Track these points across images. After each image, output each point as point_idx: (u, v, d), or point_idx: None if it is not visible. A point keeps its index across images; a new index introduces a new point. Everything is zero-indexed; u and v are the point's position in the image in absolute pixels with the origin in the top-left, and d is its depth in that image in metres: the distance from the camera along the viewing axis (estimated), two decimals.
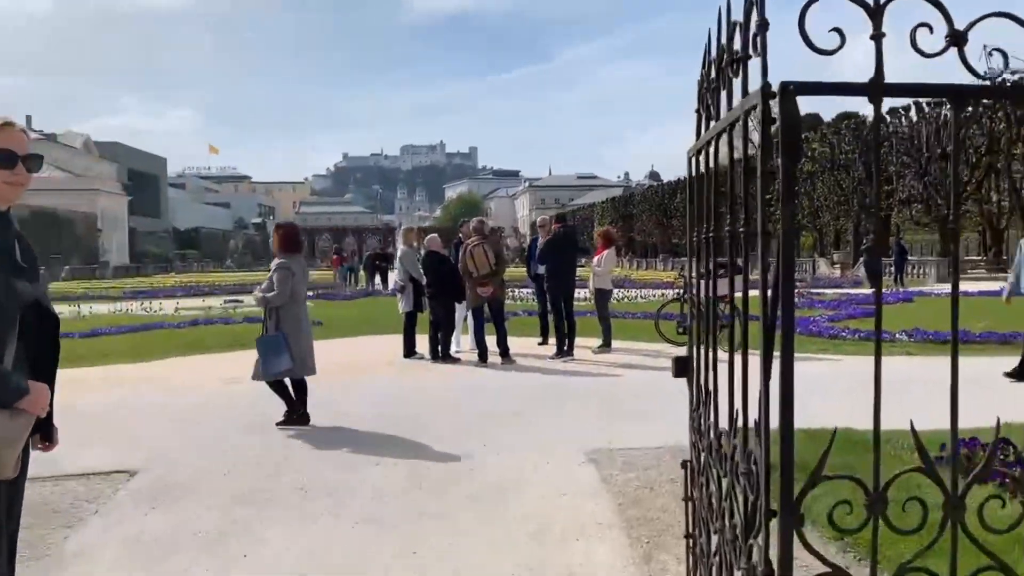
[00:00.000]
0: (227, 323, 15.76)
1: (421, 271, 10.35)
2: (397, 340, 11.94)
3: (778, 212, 1.66)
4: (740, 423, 2.00)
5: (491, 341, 10.20)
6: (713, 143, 2.29)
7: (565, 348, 10.22)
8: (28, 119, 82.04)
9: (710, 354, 2.42)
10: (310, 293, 26.07)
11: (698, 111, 2.58)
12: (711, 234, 2.39)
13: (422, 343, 10.63)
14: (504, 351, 9.93)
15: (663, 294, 20.91)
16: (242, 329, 14.75)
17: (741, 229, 2.01)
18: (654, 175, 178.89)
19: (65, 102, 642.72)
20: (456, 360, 10.16)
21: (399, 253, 10.74)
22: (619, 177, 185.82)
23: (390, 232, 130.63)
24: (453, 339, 10.71)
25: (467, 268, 9.72)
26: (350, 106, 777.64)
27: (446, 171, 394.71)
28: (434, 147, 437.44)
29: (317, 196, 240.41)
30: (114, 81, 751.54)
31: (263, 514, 4.59)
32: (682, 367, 2.92)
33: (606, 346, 10.82)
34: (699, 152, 2.57)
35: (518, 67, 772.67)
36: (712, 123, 2.34)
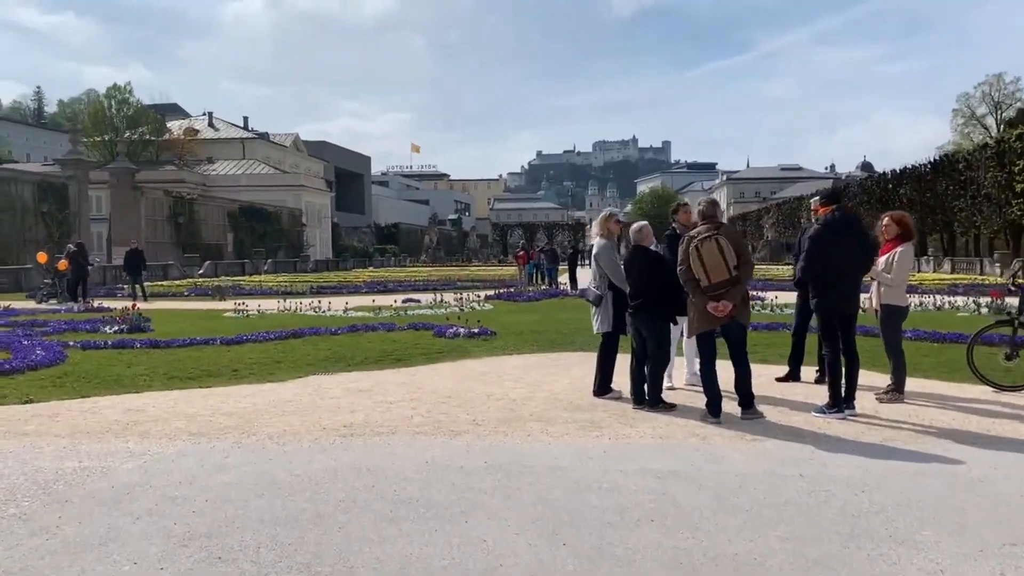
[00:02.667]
0: (389, 330, 13.50)
1: (623, 274, 7.29)
2: (585, 362, 8.98)
3: None
4: None
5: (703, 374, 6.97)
6: None
7: (841, 397, 6.68)
8: (246, 120, 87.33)
9: None
10: (490, 293, 23.89)
11: None
12: None
13: (622, 375, 7.59)
14: (747, 400, 6.63)
15: (954, 304, 16.54)
16: (401, 339, 12.38)
17: None
18: (867, 166, 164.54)
19: (291, 109, 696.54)
20: (670, 408, 6.97)
21: (594, 248, 7.67)
22: (826, 169, 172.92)
23: (580, 228, 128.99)
24: (666, 374, 7.58)
25: (691, 273, 6.50)
26: (546, 104, 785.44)
27: (638, 166, 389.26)
28: (626, 142, 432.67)
29: (510, 193, 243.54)
30: (336, 88, 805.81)
31: None
32: None
33: (897, 391, 7.24)
34: None
35: (714, 60, 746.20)
36: None
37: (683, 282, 6.59)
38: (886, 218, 7.56)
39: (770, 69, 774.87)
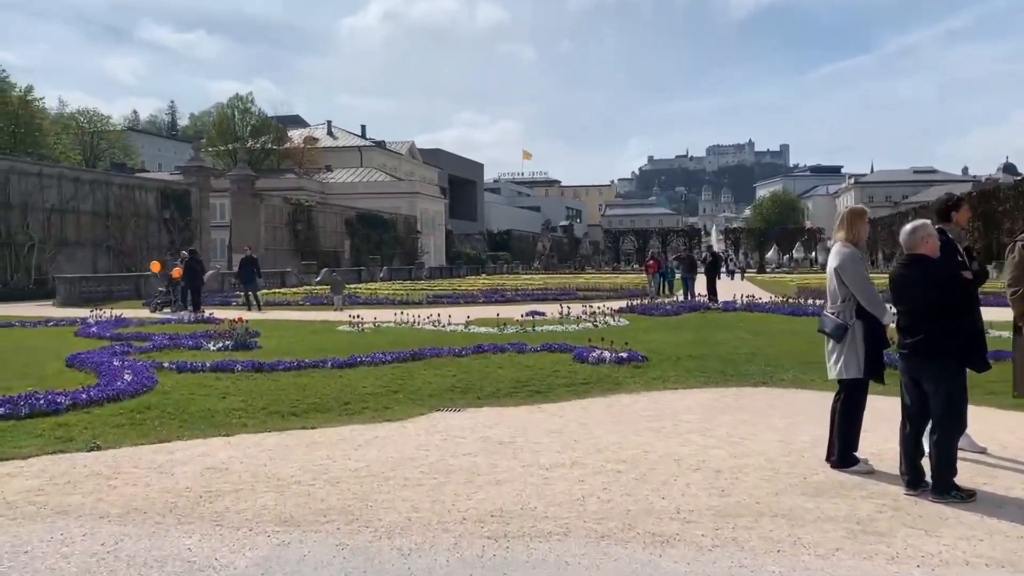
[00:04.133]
0: (520, 351, 11.61)
1: (876, 294, 5.11)
2: (779, 402, 6.84)
3: None
4: None
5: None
6: None
7: None
8: (363, 128, 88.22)
9: None
10: (621, 305, 21.68)
11: None
12: None
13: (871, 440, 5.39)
14: None
15: None
16: (536, 364, 10.44)
17: None
18: (1009, 167, 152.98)
19: (406, 119, 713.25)
20: (969, 496, 4.70)
21: (833, 256, 5.38)
22: (962, 171, 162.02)
23: (695, 233, 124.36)
24: (965, 440, 5.33)
25: None
26: (658, 109, 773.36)
27: (754, 171, 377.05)
28: (742, 146, 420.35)
29: (622, 199, 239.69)
30: (449, 98, 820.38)
31: None
32: None
33: None
34: None
35: (834, 61, 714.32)
36: None
37: (1019, 312, 4.33)
38: None
39: (896, 69, 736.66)
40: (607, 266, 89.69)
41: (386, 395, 8.66)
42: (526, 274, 67.07)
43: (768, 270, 70.77)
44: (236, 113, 75.54)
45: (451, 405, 8.18)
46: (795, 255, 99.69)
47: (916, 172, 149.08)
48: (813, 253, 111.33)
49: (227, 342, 12.72)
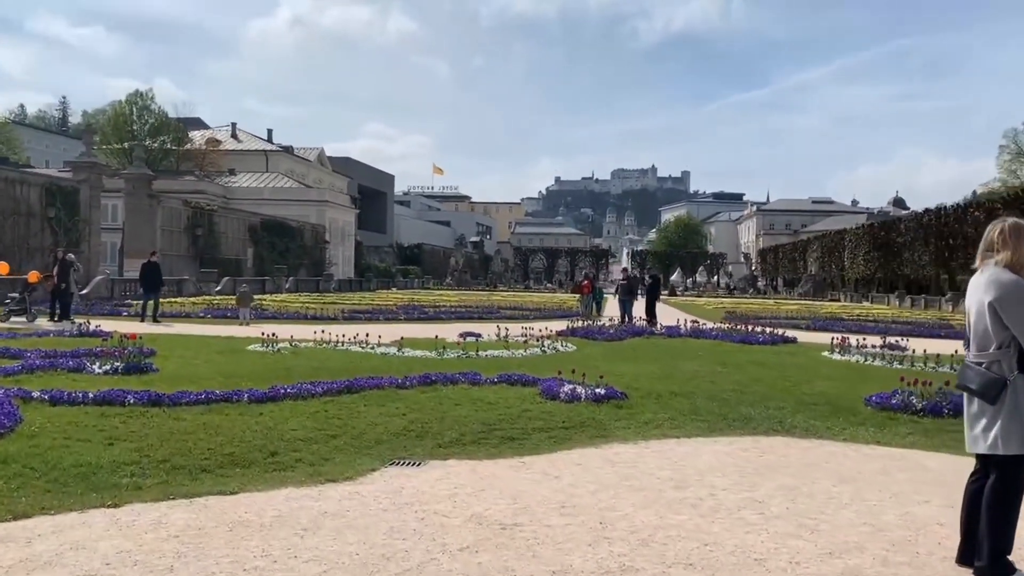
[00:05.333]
0: (474, 383, 9.92)
1: None
2: (819, 459, 5.47)
3: None
4: None
5: None
6: None
7: None
8: (269, 132, 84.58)
9: None
10: (561, 328, 20.20)
11: None
12: None
13: None
14: None
15: None
16: (499, 400, 8.78)
17: None
18: (899, 202, 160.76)
19: (315, 127, 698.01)
20: None
21: (994, 289, 3.84)
22: (851, 203, 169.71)
23: (603, 254, 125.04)
24: None
25: None
26: (567, 131, 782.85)
27: (656, 195, 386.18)
28: (645, 171, 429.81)
29: (531, 217, 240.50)
30: (359, 108, 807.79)
31: None
32: None
33: None
34: None
35: (734, 93, 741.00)
36: None
37: None
38: None
39: (791, 104, 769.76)
40: (520, 284, 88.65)
41: (322, 441, 6.86)
42: (439, 290, 65.19)
43: (678, 292, 71.03)
44: (134, 110, 71.00)
45: (407, 457, 6.47)
46: (698, 278, 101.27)
47: (814, 202, 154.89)
48: (715, 277, 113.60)
49: (116, 363, 10.56)
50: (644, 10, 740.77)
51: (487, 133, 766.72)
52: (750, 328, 19.55)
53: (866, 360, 13.63)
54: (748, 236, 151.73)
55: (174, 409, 7.90)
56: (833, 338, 15.60)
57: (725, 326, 20.27)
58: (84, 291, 30.59)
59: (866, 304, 59.08)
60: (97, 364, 10.54)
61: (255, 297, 35.56)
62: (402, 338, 14.75)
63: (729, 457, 6.63)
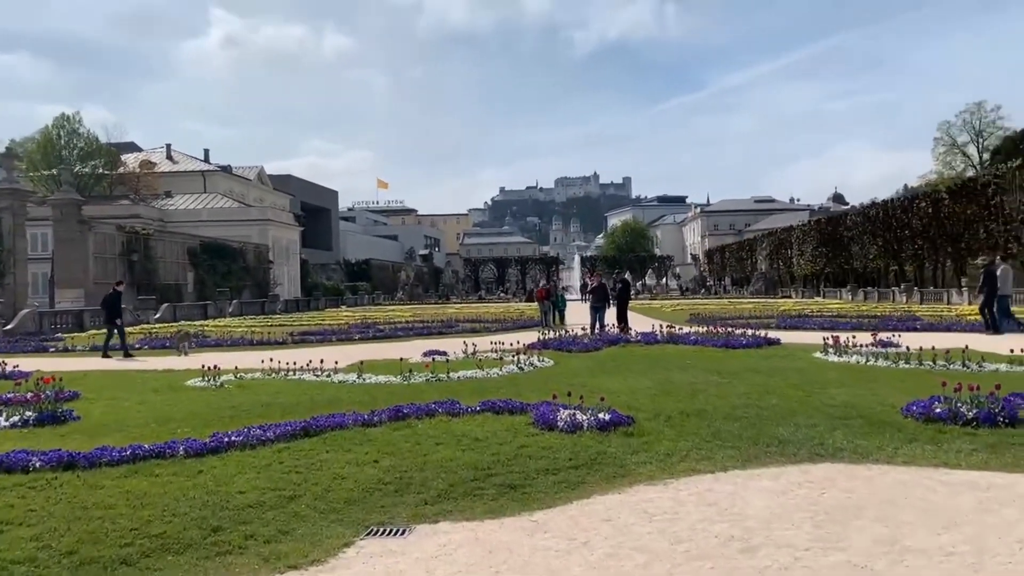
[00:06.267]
0: (454, 412, 8.55)
1: None
2: (904, 493, 4.28)
3: None
4: None
5: None
6: None
7: None
8: (206, 152, 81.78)
9: None
10: (532, 339, 18.85)
11: None
12: None
13: None
14: None
15: None
16: (487, 434, 7.43)
17: None
18: (838, 197, 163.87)
19: (255, 147, 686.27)
20: None
21: None
22: (790, 200, 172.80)
23: (554, 262, 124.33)
24: None
25: None
26: (509, 141, 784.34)
27: (600, 201, 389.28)
28: (588, 178, 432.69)
29: (479, 228, 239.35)
30: (298, 126, 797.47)
31: None
32: None
33: None
34: None
35: (670, 97, 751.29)
36: None
37: None
38: None
39: (726, 105, 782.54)
40: (473, 295, 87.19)
41: (278, 505, 5.48)
42: (390, 305, 63.41)
43: (633, 295, 70.40)
44: (62, 135, 67.75)
45: (387, 521, 5.13)
46: (647, 281, 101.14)
47: (757, 201, 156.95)
48: (664, 280, 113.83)
49: (28, 412, 8.95)
50: (580, 19, 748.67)
51: (430, 145, 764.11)
52: (728, 330, 18.53)
53: (867, 361, 12.62)
54: (693, 238, 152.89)
55: (91, 473, 6.40)
56: (825, 338, 14.60)
57: (702, 330, 19.21)
58: (8, 326, 28.33)
59: (819, 299, 59.13)
60: (3, 415, 8.91)
61: (194, 322, 33.57)
62: (361, 362, 13.30)
63: (784, 497, 5.41)
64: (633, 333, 19.00)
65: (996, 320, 18.40)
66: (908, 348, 13.31)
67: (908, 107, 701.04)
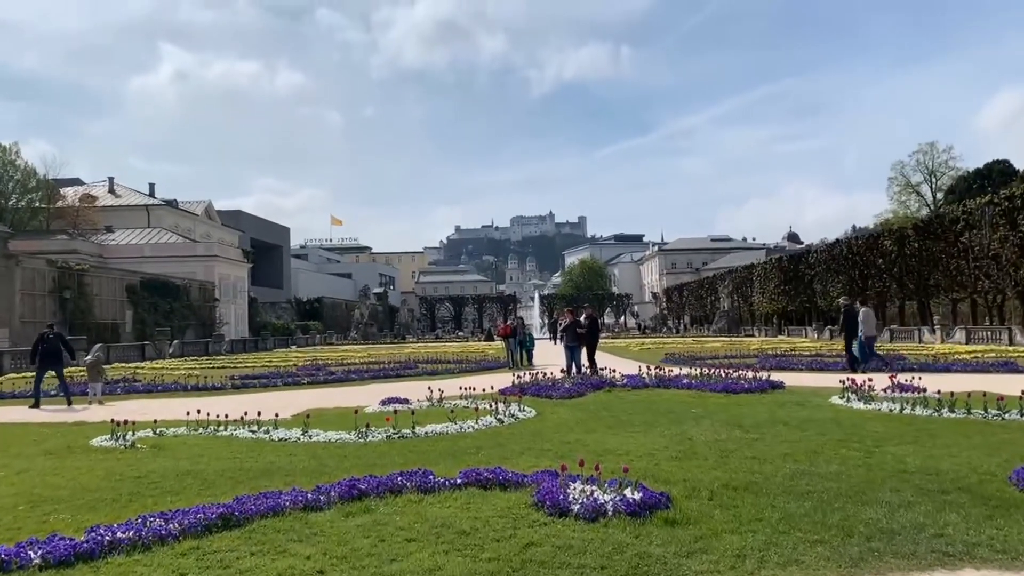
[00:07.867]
0: (425, 488, 6.46)
1: None
2: None
3: None
4: None
5: None
6: None
7: None
8: (152, 186, 78.53)
9: None
10: (505, 383, 16.66)
11: None
12: None
13: None
14: None
15: None
16: (477, 526, 5.32)
17: None
18: (793, 236, 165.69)
19: (205, 184, 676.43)
20: None
21: None
22: (743, 239, 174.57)
23: (510, 301, 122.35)
24: None
25: None
26: (464, 180, 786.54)
27: (555, 240, 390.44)
28: (543, 217, 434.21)
29: (435, 266, 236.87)
30: (250, 163, 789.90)
31: None
32: None
33: None
34: None
35: (623, 139, 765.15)
36: None
37: None
38: None
39: (676, 148, 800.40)
40: (429, 334, 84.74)
41: None
42: (343, 345, 60.77)
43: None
44: None
45: None
46: (606, 320, 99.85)
47: (713, 240, 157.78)
48: (623, 318, 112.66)
49: None
50: (534, 61, 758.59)
51: (384, 183, 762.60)
52: (726, 372, 16.73)
53: (901, 409, 10.83)
54: (651, 276, 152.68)
55: None
56: (843, 380, 12.87)
57: (695, 372, 17.35)
58: None
59: (784, 337, 58.12)
60: None
61: (127, 364, 30.76)
62: (308, 414, 11.09)
63: None
64: (612, 373, 17.08)
65: (854, 359, 19.18)
66: (939, 392, 11.54)
67: (851, 149, 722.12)
